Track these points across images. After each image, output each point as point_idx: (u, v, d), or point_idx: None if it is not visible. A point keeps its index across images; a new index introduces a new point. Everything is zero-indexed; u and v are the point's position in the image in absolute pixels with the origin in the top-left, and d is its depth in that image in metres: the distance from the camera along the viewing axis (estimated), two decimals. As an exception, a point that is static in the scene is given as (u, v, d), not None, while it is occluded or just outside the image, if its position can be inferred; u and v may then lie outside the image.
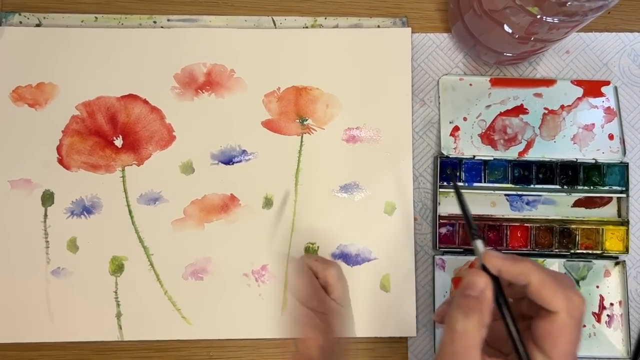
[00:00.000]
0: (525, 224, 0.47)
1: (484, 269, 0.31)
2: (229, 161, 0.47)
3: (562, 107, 0.48)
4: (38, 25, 0.47)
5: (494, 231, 0.47)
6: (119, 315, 0.45)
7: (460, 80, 0.48)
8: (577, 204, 0.48)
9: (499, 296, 0.30)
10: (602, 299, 0.47)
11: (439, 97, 0.48)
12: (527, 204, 0.48)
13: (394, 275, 0.46)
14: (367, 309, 0.46)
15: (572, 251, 0.47)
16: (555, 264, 0.47)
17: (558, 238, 0.47)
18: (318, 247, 0.46)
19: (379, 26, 0.48)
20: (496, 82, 0.48)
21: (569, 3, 0.35)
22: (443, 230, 0.47)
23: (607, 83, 0.48)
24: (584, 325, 0.46)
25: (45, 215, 0.46)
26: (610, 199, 0.48)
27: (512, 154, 0.47)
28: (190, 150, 0.47)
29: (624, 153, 0.47)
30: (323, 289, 0.40)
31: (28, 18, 0.47)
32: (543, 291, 0.29)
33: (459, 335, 0.29)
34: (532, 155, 0.47)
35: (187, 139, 0.47)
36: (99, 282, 0.45)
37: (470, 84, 0.48)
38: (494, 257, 0.31)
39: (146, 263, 0.46)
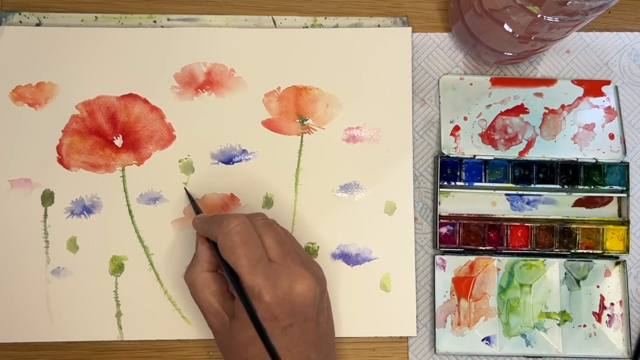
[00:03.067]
0: (526, 224, 0.47)
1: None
2: (229, 161, 0.47)
3: (563, 106, 0.48)
4: (38, 25, 0.47)
5: (494, 231, 0.47)
6: (118, 315, 0.45)
7: (461, 80, 0.48)
8: (578, 203, 0.48)
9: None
10: (602, 298, 0.47)
11: (439, 96, 0.48)
12: (528, 203, 0.48)
13: (394, 275, 0.46)
14: (367, 308, 0.46)
15: (573, 251, 0.47)
16: (555, 264, 0.47)
17: (558, 238, 0.47)
18: (318, 247, 0.46)
19: (379, 26, 0.48)
20: (496, 82, 0.48)
21: (569, 2, 0.35)
22: (443, 230, 0.47)
23: (608, 82, 0.48)
24: (584, 325, 0.46)
25: (45, 214, 0.46)
26: (611, 198, 0.48)
27: (512, 153, 0.47)
28: (190, 149, 0.46)
29: (625, 153, 0.47)
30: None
31: (28, 17, 0.47)
32: (206, 233, 0.39)
33: (188, 284, 0.39)
34: (533, 154, 0.47)
35: (187, 139, 0.47)
36: (99, 282, 0.45)
37: (471, 84, 0.48)
38: (194, 220, 0.41)
39: (146, 263, 0.46)
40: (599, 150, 0.47)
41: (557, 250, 0.47)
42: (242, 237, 0.36)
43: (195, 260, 0.39)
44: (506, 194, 0.47)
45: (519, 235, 0.47)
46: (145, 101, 0.47)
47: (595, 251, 0.47)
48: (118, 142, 0.46)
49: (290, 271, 0.36)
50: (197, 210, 0.44)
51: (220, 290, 0.38)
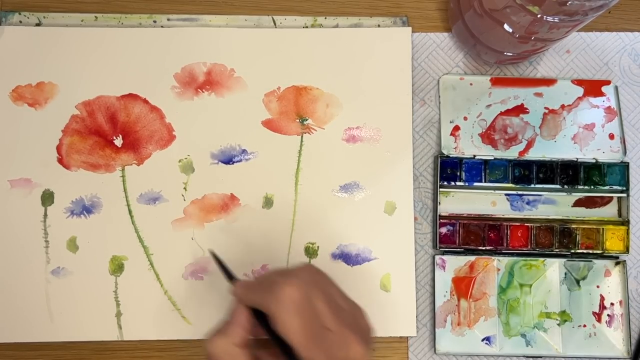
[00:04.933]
0: (526, 224, 0.47)
1: None
2: (229, 161, 0.47)
3: (563, 106, 0.48)
4: (38, 25, 0.47)
5: (494, 231, 0.47)
6: (118, 315, 0.45)
7: (461, 80, 0.48)
8: (578, 203, 0.48)
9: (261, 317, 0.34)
10: (602, 298, 0.47)
11: (439, 96, 0.48)
12: (528, 203, 0.48)
13: (394, 275, 0.46)
14: (367, 308, 0.46)
15: (573, 251, 0.47)
16: (555, 264, 0.47)
17: (558, 238, 0.47)
18: (318, 247, 0.46)
19: (379, 25, 0.48)
20: (496, 82, 0.48)
21: (569, 2, 0.35)
22: (443, 229, 0.47)
23: (608, 82, 0.48)
24: (584, 325, 0.46)
25: (45, 214, 0.46)
26: (611, 198, 0.48)
27: (512, 153, 0.47)
28: (190, 149, 0.46)
29: (625, 153, 0.47)
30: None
31: (28, 17, 0.47)
32: (256, 304, 0.34)
33: (210, 354, 0.34)
34: (533, 154, 0.47)
35: (187, 139, 0.47)
36: (99, 282, 0.45)
37: (471, 84, 0.48)
38: (235, 290, 0.36)
39: (146, 263, 0.46)
40: (599, 150, 0.47)
41: (557, 250, 0.47)
42: (299, 308, 0.33)
43: (226, 329, 0.34)
44: (506, 194, 0.47)
45: (519, 235, 0.47)
46: (145, 101, 0.47)
47: (595, 251, 0.47)
48: (118, 142, 0.46)
49: (345, 338, 0.34)
50: (230, 274, 0.39)
51: None
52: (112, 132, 0.46)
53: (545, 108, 0.48)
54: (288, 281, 0.33)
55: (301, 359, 0.32)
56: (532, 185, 0.47)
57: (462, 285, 0.46)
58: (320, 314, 0.33)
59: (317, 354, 0.32)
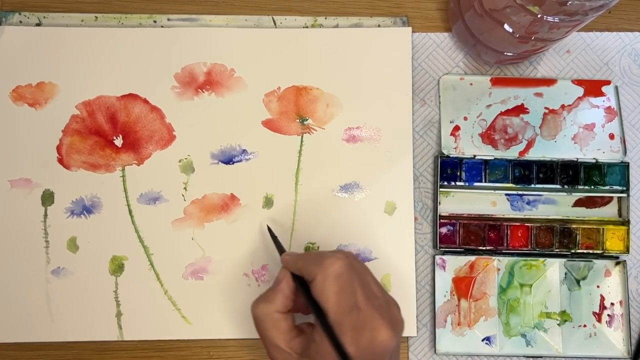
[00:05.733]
0: (526, 224, 0.47)
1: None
2: (229, 161, 0.47)
3: (563, 106, 0.48)
4: (38, 25, 0.47)
5: (494, 231, 0.47)
6: (118, 315, 0.45)
7: (461, 80, 0.48)
8: (578, 203, 0.48)
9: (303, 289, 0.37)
10: (602, 298, 0.47)
11: (440, 96, 0.48)
12: (528, 203, 0.48)
13: (394, 275, 0.46)
14: (368, 308, 0.46)
15: (573, 251, 0.47)
16: (555, 264, 0.47)
17: (559, 238, 0.47)
18: (318, 247, 0.46)
19: (379, 26, 0.48)
20: (497, 82, 0.48)
21: (569, 2, 0.35)
22: (443, 229, 0.47)
23: (608, 83, 0.48)
24: (584, 325, 0.46)
25: (45, 214, 0.46)
26: (611, 198, 0.48)
27: (512, 153, 0.47)
28: (190, 149, 0.46)
29: (625, 153, 0.47)
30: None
31: (28, 17, 0.47)
32: (302, 270, 0.37)
33: (255, 317, 0.37)
34: (533, 154, 0.47)
35: (187, 139, 0.47)
36: (99, 282, 0.45)
37: (471, 84, 0.48)
38: (285, 257, 0.39)
39: (146, 263, 0.46)
40: (599, 150, 0.47)
41: (557, 250, 0.47)
42: (342, 283, 0.35)
43: (271, 296, 0.38)
44: (506, 194, 0.47)
45: (519, 235, 0.47)
46: (145, 101, 0.47)
47: (595, 251, 0.47)
48: (118, 142, 0.46)
49: (374, 319, 0.35)
50: (281, 247, 0.43)
51: (288, 328, 0.37)
52: (112, 132, 0.46)
53: (546, 108, 0.48)
54: (336, 256, 0.36)
55: (331, 322, 0.34)
56: (532, 185, 0.47)
57: (462, 285, 0.46)
58: (355, 293, 0.35)
59: (347, 331, 0.34)
